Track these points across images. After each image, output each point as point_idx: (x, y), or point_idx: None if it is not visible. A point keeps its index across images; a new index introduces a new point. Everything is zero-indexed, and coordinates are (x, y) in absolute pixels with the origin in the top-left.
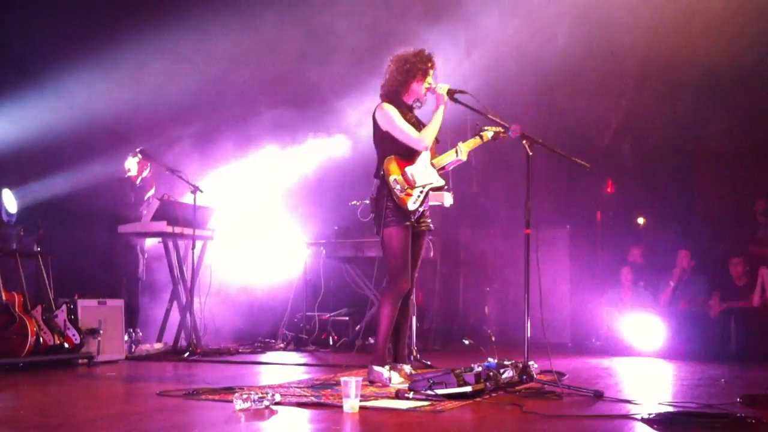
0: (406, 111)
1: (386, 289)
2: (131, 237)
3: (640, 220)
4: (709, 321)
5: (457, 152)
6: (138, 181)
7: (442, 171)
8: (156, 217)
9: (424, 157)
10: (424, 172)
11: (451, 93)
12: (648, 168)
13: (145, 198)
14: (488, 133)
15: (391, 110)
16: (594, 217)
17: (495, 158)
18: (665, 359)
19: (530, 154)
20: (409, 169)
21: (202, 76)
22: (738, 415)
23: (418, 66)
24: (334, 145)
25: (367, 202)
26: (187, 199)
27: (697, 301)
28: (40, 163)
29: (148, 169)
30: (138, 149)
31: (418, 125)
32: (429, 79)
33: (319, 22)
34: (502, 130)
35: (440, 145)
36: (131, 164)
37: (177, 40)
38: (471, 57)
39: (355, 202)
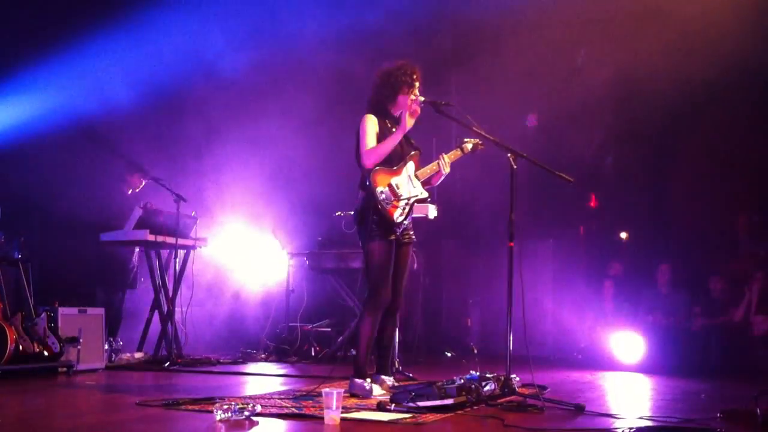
0: (393, 123)
1: (367, 301)
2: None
3: (623, 235)
4: (690, 336)
5: (439, 164)
6: (129, 192)
7: (428, 187)
8: (138, 226)
9: (409, 169)
10: (408, 184)
11: (437, 105)
12: (629, 183)
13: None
14: (468, 145)
15: (369, 121)
16: (577, 231)
17: (480, 171)
18: (646, 373)
19: (514, 167)
20: (394, 180)
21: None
22: (717, 429)
23: (402, 78)
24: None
25: (351, 213)
26: (171, 207)
27: (678, 315)
28: (22, 168)
29: (142, 185)
30: (146, 173)
31: (405, 138)
32: (415, 90)
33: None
34: (480, 142)
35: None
36: (135, 182)
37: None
38: None
39: (339, 213)
